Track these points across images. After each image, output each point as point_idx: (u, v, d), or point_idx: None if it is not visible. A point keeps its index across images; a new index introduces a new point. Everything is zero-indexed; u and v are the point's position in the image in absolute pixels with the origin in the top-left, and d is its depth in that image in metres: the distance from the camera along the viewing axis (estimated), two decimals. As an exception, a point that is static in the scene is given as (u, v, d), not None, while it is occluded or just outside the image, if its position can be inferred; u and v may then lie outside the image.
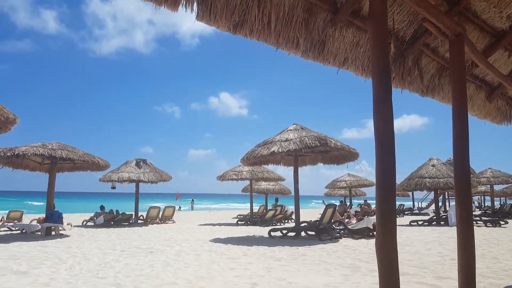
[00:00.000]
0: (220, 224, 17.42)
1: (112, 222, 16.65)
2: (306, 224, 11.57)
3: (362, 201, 20.98)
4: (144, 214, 18.37)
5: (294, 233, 11.42)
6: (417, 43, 3.70)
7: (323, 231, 10.87)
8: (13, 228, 14.40)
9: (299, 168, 11.86)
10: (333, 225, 11.53)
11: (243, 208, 40.83)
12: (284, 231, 11.54)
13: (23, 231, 13.56)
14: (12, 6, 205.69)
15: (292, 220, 17.74)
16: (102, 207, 18.03)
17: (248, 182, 19.98)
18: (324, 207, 11.90)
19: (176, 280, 5.72)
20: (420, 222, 16.70)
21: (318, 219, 11.53)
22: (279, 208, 17.56)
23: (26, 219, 16.62)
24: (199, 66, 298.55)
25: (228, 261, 7.36)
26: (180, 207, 34.04)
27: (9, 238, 11.86)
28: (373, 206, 14.67)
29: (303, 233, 11.44)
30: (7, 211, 17.09)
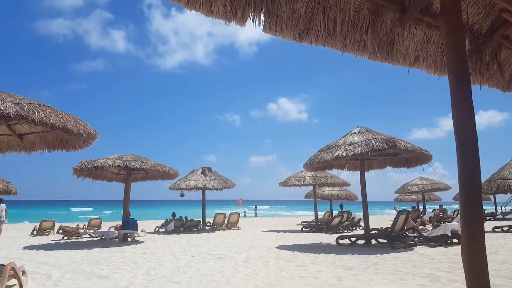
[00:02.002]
0: (284, 231, 17.38)
1: (182, 228, 17.41)
2: (376, 231, 11.10)
3: (436, 207, 19.63)
4: (211, 220, 18.95)
5: (364, 241, 11.00)
6: (495, 35, 3.43)
7: (395, 239, 10.33)
8: (94, 235, 15.65)
9: (366, 173, 11.45)
10: (407, 233, 10.92)
11: (307, 214, 40.38)
12: (353, 239, 11.17)
13: (103, 237, 14.63)
14: (85, 29, 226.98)
15: (360, 227, 17.25)
16: (173, 214, 18.95)
17: (311, 187, 19.74)
18: (396, 213, 11.32)
19: (246, 286, 5.79)
20: (505, 228, 15.23)
21: (389, 226, 10.99)
22: (345, 215, 17.06)
23: (105, 226, 18.02)
24: (257, 73, 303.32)
25: (296, 268, 7.30)
26: (245, 213, 34.59)
27: (91, 244, 12.88)
28: (449, 212, 13.64)
29: (373, 241, 10.98)
30: (88, 219, 18.71)
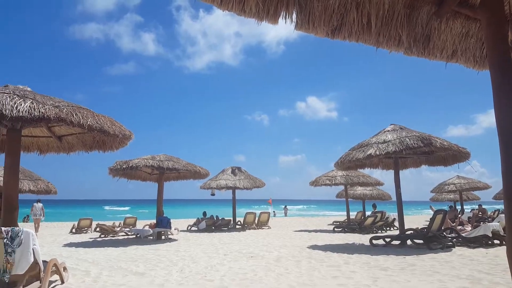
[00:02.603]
0: (316, 231, 17.23)
1: (213, 227, 17.63)
2: (412, 231, 10.78)
3: (475, 206, 18.82)
4: (241, 219, 19.07)
5: (399, 241, 10.71)
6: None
7: (432, 239, 9.99)
8: (129, 233, 16.14)
9: (400, 171, 11.14)
10: (444, 233, 10.54)
11: (338, 214, 39.87)
12: (388, 239, 10.89)
13: (138, 235, 15.05)
14: (117, 33, 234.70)
15: (395, 228, 16.94)
16: (204, 213, 19.23)
17: (342, 187, 19.46)
18: (432, 213, 10.95)
19: (279, 286, 5.79)
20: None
21: (425, 226, 10.64)
22: (379, 215, 16.69)
23: (139, 224, 18.55)
24: (285, 72, 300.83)
25: (329, 269, 7.22)
26: (275, 213, 34.58)
27: (127, 242, 13.29)
28: (489, 212, 13.04)
29: (409, 242, 10.68)
30: (124, 218, 19.34)
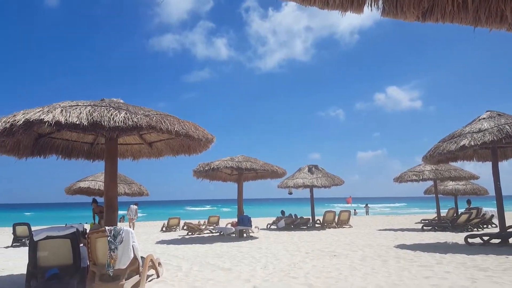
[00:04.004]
0: (402, 230, 16.29)
1: (292, 226, 17.67)
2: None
3: None
4: (320, 218, 18.82)
5: (499, 240, 9.65)
6: None
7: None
8: (213, 231, 16.92)
9: (499, 163, 10.03)
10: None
11: (426, 212, 37.26)
12: (486, 238, 9.88)
13: (221, 233, 15.68)
14: (192, 41, 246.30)
15: (493, 225, 15.55)
16: (282, 212, 19.37)
17: (431, 182, 18.11)
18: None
19: (366, 285, 5.59)
20: None
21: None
22: (474, 211, 15.23)
23: (222, 223, 19.33)
24: (361, 63, 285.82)
25: (420, 268, 6.77)
26: (355, 212, 33.50)
27: (212, 239, 13.94)
28: None
29: (511, 240, 9.58)
30: (208, 217, 20.33)
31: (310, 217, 18.82)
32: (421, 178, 16.41)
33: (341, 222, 18.62)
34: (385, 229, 16.71)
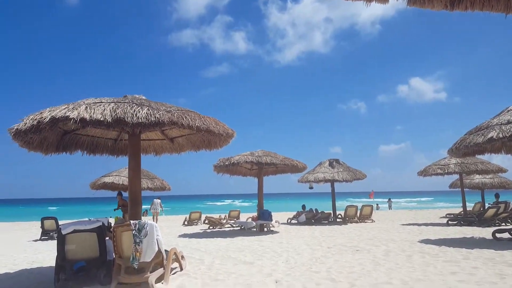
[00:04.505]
0: (426, 224, 15.96)
1: (313, 220, 17.59)
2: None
3: None
4: (341, 212, 18.66)
5: (529, 235, 9.34)
6: None
7: None
8: (234, 225, 17.04)
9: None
10: None
11: (451, 206, 36.41)
12: (514, 232, 9.57)
13: (242, 227, 15.77)
14: (210, 36, 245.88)
15: None
16: (303, 206, 19.31)
17: (456, 176, 17.64)
18: None
19: (390, 280, 5.51)
20: None
21: None
22: (502, 205, 14.76)
23: (242, 217, 19.44)
24: (383, 54, 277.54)
25: (446, 264, 6.63)
26: (378, 206, 33.03)
27: (233, 233, 14.04)
28: None
29: (541, 236, 9.25)
30: (228, 211, 20.49)
31: (331, 212, 18.68)
32: (446, 171, 15.98)
33: (363, 217, 18.39)
34: (409, 224, 16.41)
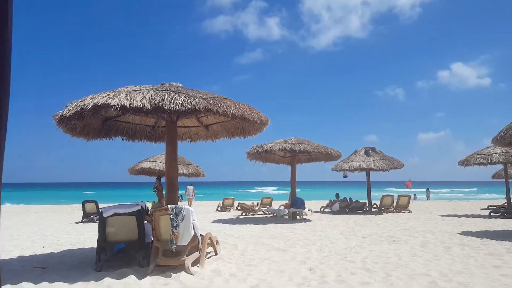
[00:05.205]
0: (467, 216, 15.33)
1: (347, 209, 17.38)
2: None
3: None
4: (377, 202, 18.26)
5: None
6: None
7: None
8: (266, 212, 17.14)
9: None
10: None
11: (494, 197, 34.75)
12: None
13: (274, 214, 15.85)
14: (243, 22, 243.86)
15: None
16: (337, 195, 19.09)
17: (501, 166, 16.75)
18: None
19: (428, 272, 5.36)
20: None
21: None
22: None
23: (274, 204, 19.52)
24: (423, 38, 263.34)
25: (488, 257, 6.35)
26: (415, 196, 32.07)
27: (265, 220, 14.15)
28: None
29: None
30: (260, 198, 20.64)
31: (366, 201, 18.36)
32: (489, 161, 15.21)
33: (400, 207, 17.92)
34: (448, 215, 15.83)
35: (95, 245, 6.40)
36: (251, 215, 16.87)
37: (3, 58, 0.91)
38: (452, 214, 16.24)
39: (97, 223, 6.32)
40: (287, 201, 17.20)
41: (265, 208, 17.96)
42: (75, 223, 14.37)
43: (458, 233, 9.62)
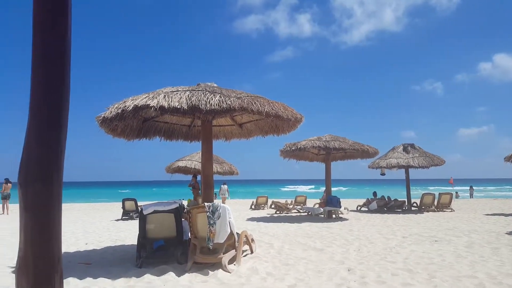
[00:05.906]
0: (514, 215, 14.49)
1: (385, 208, 16.90)
2: None
3: None
4: (417, 200, 17.61)
5: None
6: None
7: None
8: (301, 211, 17.00)
9: None
10: None
11: (543, 195, 32.58)
12: None
13: (309, 213, 15.69)
14: (274, 20, 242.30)
15: None
16: (374, 193, 18.62)
17: (552, 162, 15.68)
18: None
19: (475, 274, 5.10)
20: None
21: None
22: None
23: (308, 203, 19.32)
24: (462, 30, 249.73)
25: (542, 260, 5.96)
26: (457, 194, 30.69)
27: (299, 219, 14.03)
28: None
29: None
30: (294, 196, 20.50)
31: (405, 200, 17.77)
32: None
33: (442, 206, 17.19)
34: (494, 214, 15.02)
35: (135, 242, 6.60)
36: (285, 213, 16.80)
37: (63, 70, 0.93)
38: (498, 213, 15.39)
39: (136, 221, 6.52)
40: (321, 199, 16.98)
41: (299, 207, 17.83)
42: (115, 220, 14.84)
43: (506, 233, 9.09)
